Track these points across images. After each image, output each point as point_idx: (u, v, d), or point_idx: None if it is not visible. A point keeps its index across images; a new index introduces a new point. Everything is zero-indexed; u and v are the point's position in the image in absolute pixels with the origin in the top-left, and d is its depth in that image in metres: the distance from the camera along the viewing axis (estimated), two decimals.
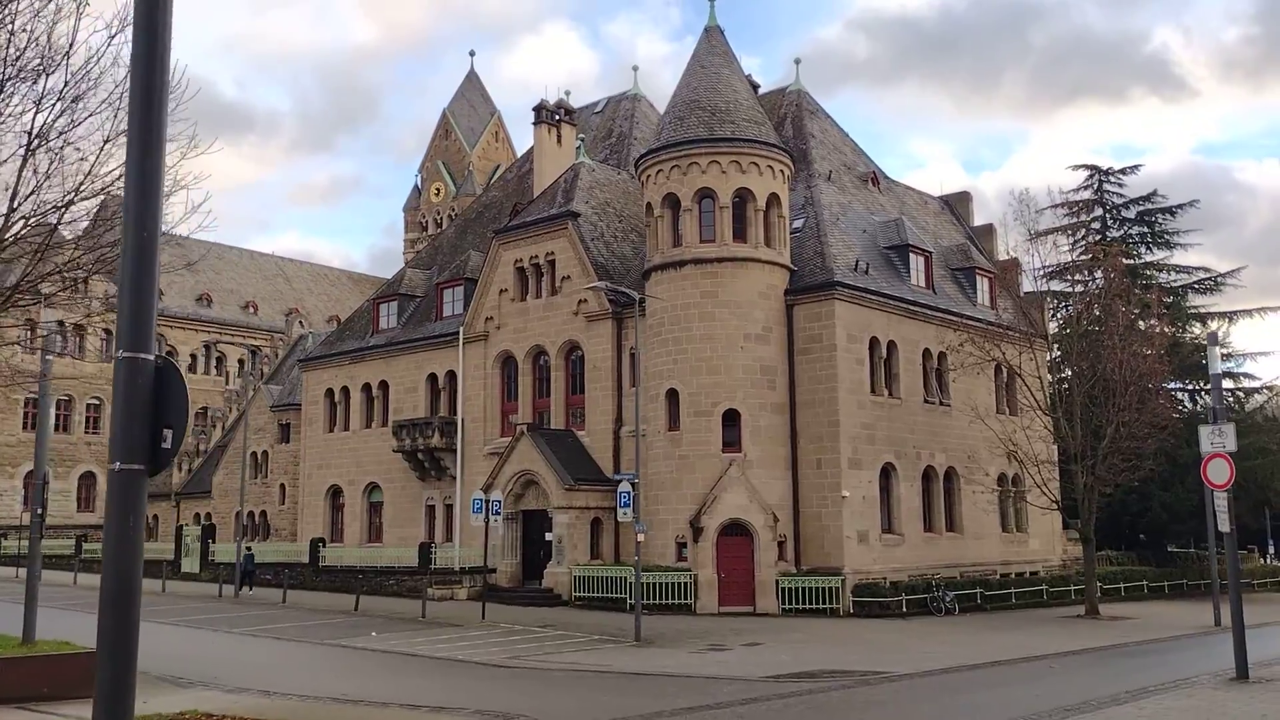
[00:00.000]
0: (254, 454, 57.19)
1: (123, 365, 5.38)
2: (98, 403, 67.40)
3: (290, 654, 23.77)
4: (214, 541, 44.92)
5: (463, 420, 40.90)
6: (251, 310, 76.93)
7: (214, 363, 74.16)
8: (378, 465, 43.57)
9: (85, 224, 17.16)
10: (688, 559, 33.23)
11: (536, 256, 39.61)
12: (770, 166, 35.00)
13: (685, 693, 16.99)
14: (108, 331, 68.39)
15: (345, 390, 45.88)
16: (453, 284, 43.31)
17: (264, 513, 55.65)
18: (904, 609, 32.78)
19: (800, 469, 34.24)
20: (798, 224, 37.52)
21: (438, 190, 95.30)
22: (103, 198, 13.54)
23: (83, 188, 12.99)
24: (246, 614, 31.72)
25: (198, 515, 59.55)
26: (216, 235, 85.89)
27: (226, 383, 72.78)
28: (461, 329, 41.17)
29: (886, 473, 35.82)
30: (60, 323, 68.52)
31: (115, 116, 12.86)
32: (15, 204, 13.36)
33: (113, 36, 12.78)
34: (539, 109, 45.34)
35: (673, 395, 34.18)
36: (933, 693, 17.50)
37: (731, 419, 33.67)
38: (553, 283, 38.99)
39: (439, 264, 47.37)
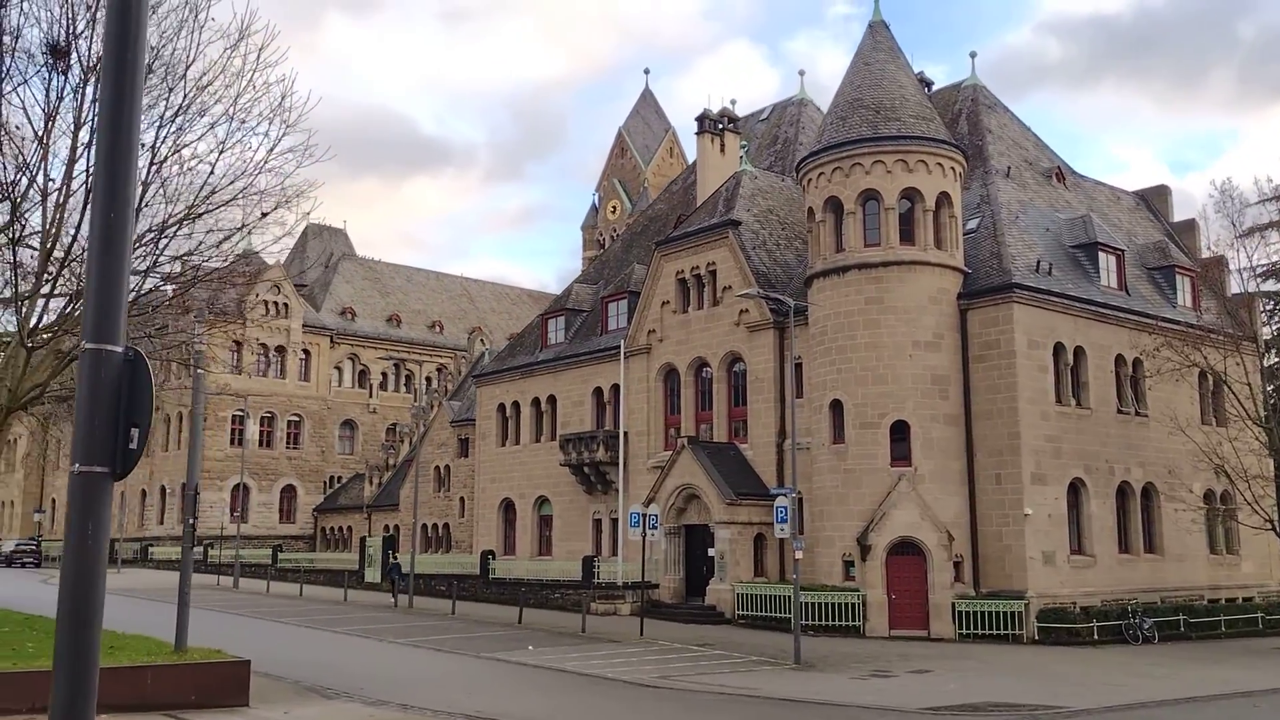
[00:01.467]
0: (436, 468, 58.89)
1: (87, 358, 4.96)
2: (297, 419, 71.05)
3: (445, 666, 23.82)
4: (394, 553, 46.18)
5: (626, 434, 40.62)
6: (438, 329, 79.52)
7: (403, 380, 76.95)
8: (547, 479, 43.84)
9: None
10: (855, 578, 31.70)
11: (697, 267, 38.98)
12: (940, 164, 33.19)
13: None
14: (306, 352, 72.07)
15: (516, 405, 46.48)
16: (617, 297, 43.21)
17: (446, 525, 57.11)
18: (1095, 636, 30.21)
19: (977, 484, 32.15)
20: (972, 224, 35.46)
21: (614, 208, 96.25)
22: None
23: (210, 198, 13.05)
24: (415, 625, 32.24)
25: (386, 527, 61.71)
26: (406, 259, 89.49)
27: (415, 400, 75.34)
28: (620, 341, 40.94)
29: (1075, 489, 33.22)
30: (264, 345, 72.34)
31: (230, 124, 12.90)
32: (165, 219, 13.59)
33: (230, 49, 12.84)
34: (702, 119, 44.81)
35: (837, 406, 32.78)
36: None
37: (900, 431, 31.97)
38: (714, 293, 38.25)
39: (605, 278, 47.44)
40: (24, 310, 11.62)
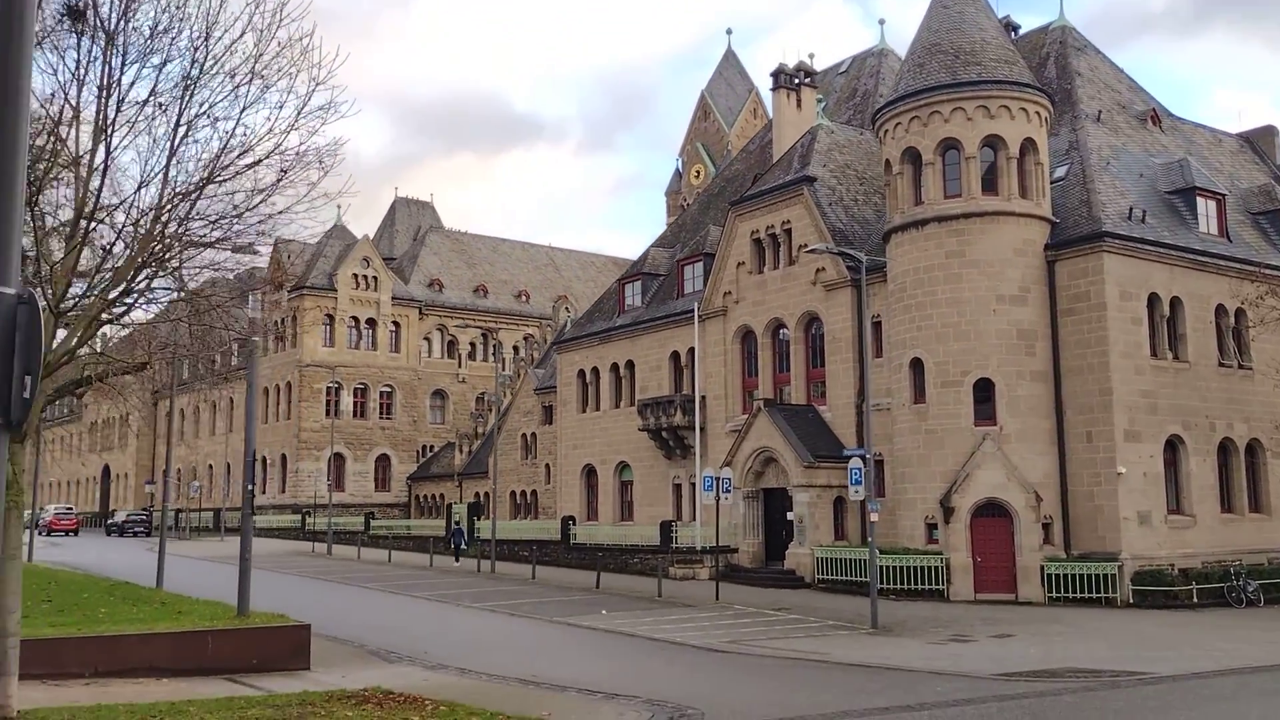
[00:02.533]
0: (523, 435, 59.32)
1: None
2: (389, 390, 72.24)
3: (514, 630, 23.80)
4: (479, 519, 46.61)
5: (704, 397, 40.12)
6: (524, 299, 79.91)
7: (490, 350, 77.58)
8: (627, 444, 43.64)
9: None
10: (939, 541, 30.77)
11: (772, 226, 38.11)
12: (1024, 109, 31.69)
13: (891, 689, 15.23)
14: (395, 324, 73.03)
15: (595, 371, 46.33)
16: (692, 260, 42.58)
17: (534, 492, 57.52)
18: (1195, 600, 28.81)
19: (1067, 443, 30.84)
20: (1060, 172, 33.84)
21: (698, 172, 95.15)
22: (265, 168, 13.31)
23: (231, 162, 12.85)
24: (494, 590, 32.41)
25: (477, 494, 62.44)
26: (501, 232, 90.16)
27: (503, 369, 75.96)
28: (695, 304, 40.37)
29: (1172, 446, 31.64)
30: (355, 317, 73.61)
31: (251, 83, 12.65)
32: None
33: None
34: (777, 74, 43.70)
35: (917, 365, 31.74)
36: (1192, 700, 14.74)
37: (984, 389, 30.81)
38: (790, 252, 37.36)
39: (682, 241, 46.81)
40: (52, 277, 11.64)
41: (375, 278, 71.79)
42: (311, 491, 67.51)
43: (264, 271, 20.81)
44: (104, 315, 14.41)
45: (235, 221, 14.04)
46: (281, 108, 13.26)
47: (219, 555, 48.14)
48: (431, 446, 72.78)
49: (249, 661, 16.62)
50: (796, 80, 43.87)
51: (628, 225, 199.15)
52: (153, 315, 18.86)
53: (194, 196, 12.86)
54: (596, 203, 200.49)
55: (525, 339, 73.88)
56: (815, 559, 33.08)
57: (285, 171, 12.16)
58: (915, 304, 31.89)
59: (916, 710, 13.39)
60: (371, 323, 71.96)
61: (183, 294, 22.17)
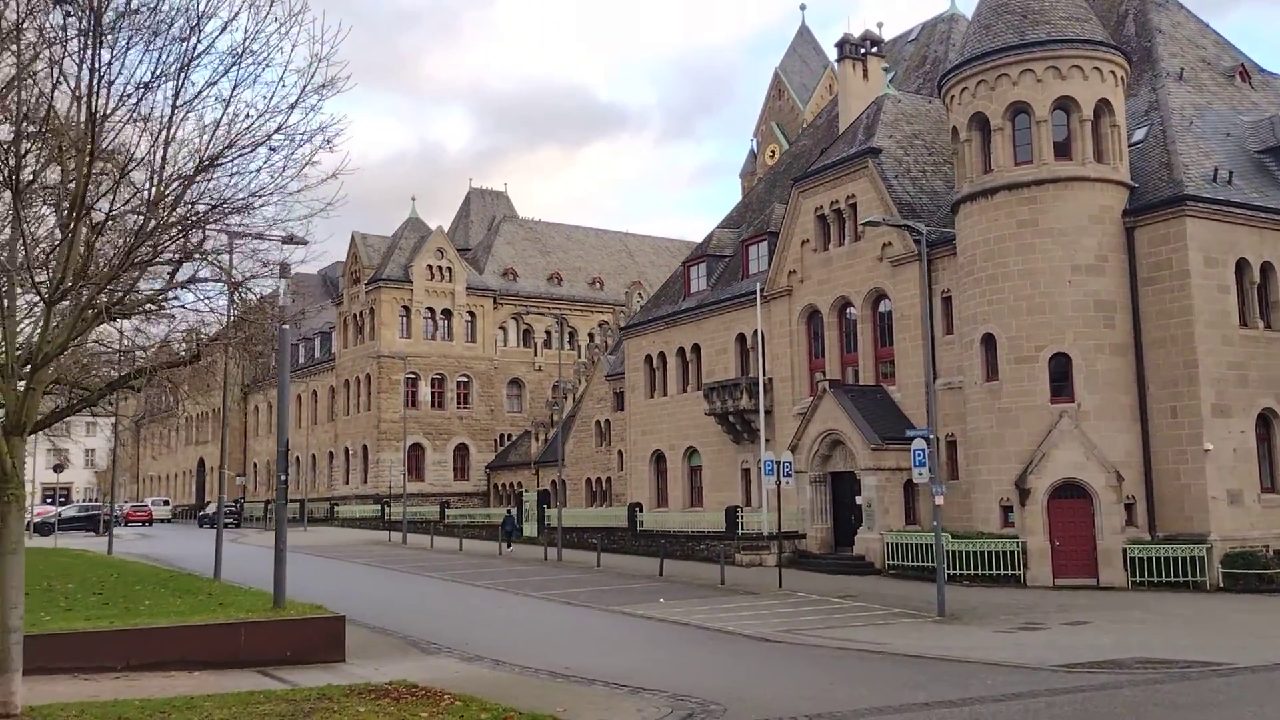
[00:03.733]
0: (597, 422, 59.04)
1: None
2: (466, 379, 72.60)
3: (566, 620, 23.37)
4: (548, 506, 46.39)
5: (770, 380, 39.18)
6: (598, 286, 79.56)
7: (566, 338, 77.41)
8: (695, 429, 42.94)
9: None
10: (1014, 524, 29.45)
11: (836, 201, 36.94)
12: (1097, 69, 30.04)
13: (938, 682, 14.33)
14: (471, 314, 73.32)
15: (662, 355, 45.69)
16: (757, 239, 41.60)
17: (608, 479, 57.17)
18: None
19: (1150, 419, 29.22)
20: (1139, 134, 32.06)
21: (772, 153, 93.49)
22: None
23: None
24: (557, 578, 32.08)
25: (553, 482, 62.33)
26: (583, 223, 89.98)
27: (578, 356, 75.76)
28: (759, 285, 39.42)
29: (1265, 420, 29.75)
30: (430, 308, 74.14)
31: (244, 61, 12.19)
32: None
33: None
34: (842, 44, 42.37)
35: (989, 341, 30.39)
36: (1267, 693, 13.54)
37: (1060, 364, 29.36)
38: (855, 228, 36.16)
39: (748, 221, 45.82)
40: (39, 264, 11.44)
41: (450, 268, 72.13)
42: (392, 481, 68.20)
43: (285, 255, 20.52)
44: (121, 306, 14.22)
45: (249, 201, 13.71)
46: (282, 85, 12.83)
47: (296, 545, 48.79)
48: (509, 435, 72.98)
49: (283, 654, 16.45)
50: (862, 50, 42.48)
51: (707, 211, 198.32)
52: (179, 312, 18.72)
53: (195, 179, 12.49)
54: (677, 191, 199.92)
55: (599, 326, 73.52)
56: (885, 544, 32.00)
57: (274, 149, 11.71)
58: (986, 277, 30.53)
59: (958, 706, 12.51)
60: (447, 313, 72.36)
61: (227, 282, 22.12)
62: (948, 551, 29.42)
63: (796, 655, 17.82)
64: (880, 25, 48.89)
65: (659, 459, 45.84)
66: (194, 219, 13.11)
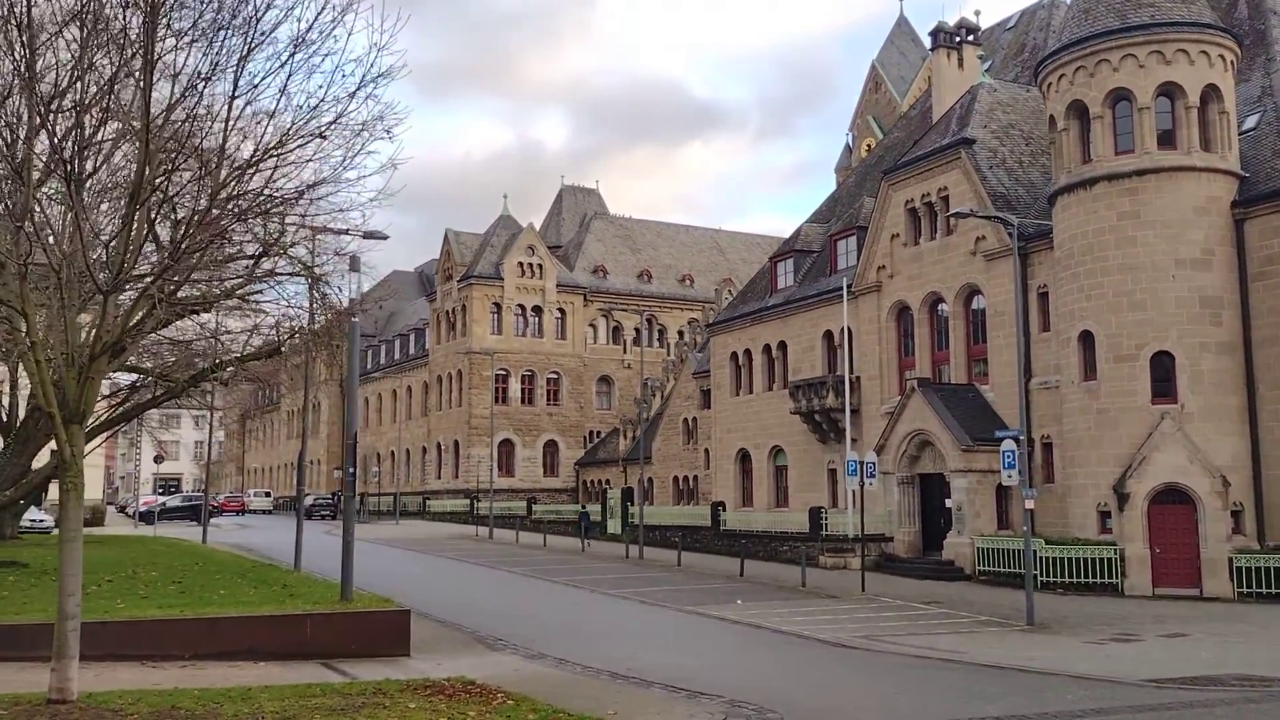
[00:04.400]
0: (685, 420, 58.65)
1: None
2: (556, 376, 72.92)
3: (638, 619, 23.05)
4: (631, 504, 46.12)
5: (857, 378, 38.24)
6: (688, 283, 79.16)
7: (655, 335, 77.24)
8: (780, 428, 42.21)
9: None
10: (1112, 530, 28.13)
11: (928, 194, 35.84)
12: (1204, 53, 28.50)
13: (1013, 695, 13.57)
14: (561, 311, 73.59)
15: (748, 353, 45.05)
16: (845, 234, 40.67)
17: (695, 478, 56.71)
18: None
19: (1260, 422, 27.59)
20: (1251, 121, 30.36)
21: (868, 146, 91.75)
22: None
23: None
24: (635, 576, 31.79)
25: (640, 480, 62.15)
26: (662, 216, 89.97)
27: (667, 354, 75.45)
28: (845, 280, 38.49)
29: None
30: (521, 305, 74.70)
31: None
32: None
33: None
34: (936, 33, 41.13)
35: (1087, 338, 29.10)
36: None
37: (1162, 363, 27.92)
38: (947, 221, 35.02)
39: (837, 215, 44.86)
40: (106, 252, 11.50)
41: (540, 265, 72.51)
42: (482, 477, 68.85)
43: (359, 248, 20.60)
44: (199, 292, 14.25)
45: (311, 190, 13.66)
46: (341, 73, 12.74)
47: (386, 538, 49.64)
48: (598, 432, 73.05)
49: (348, 646, 16.43)
50: (957, 38, 41.18)
51: (803, 209, 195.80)
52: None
53: (255, 167, 12.44)
54: (774, 189, 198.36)
55: (689, 323, 73.10)
56: (975, 549, 30.90)
57: (324, 137, 11.58)
58: (1084, 271, 29.24)
59: None
60: (537, 310, 72.75)
61: (307, 276, 22.30)
62: (1041, 558, 28.31)
63: (868, 662, 17.17)
64: (978, 13, 47.51)
65: (744, 458, 45.22)
66: (257, 207, 13.12)
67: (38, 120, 11.07)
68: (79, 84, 11.29)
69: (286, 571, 24.56)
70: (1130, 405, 28.04)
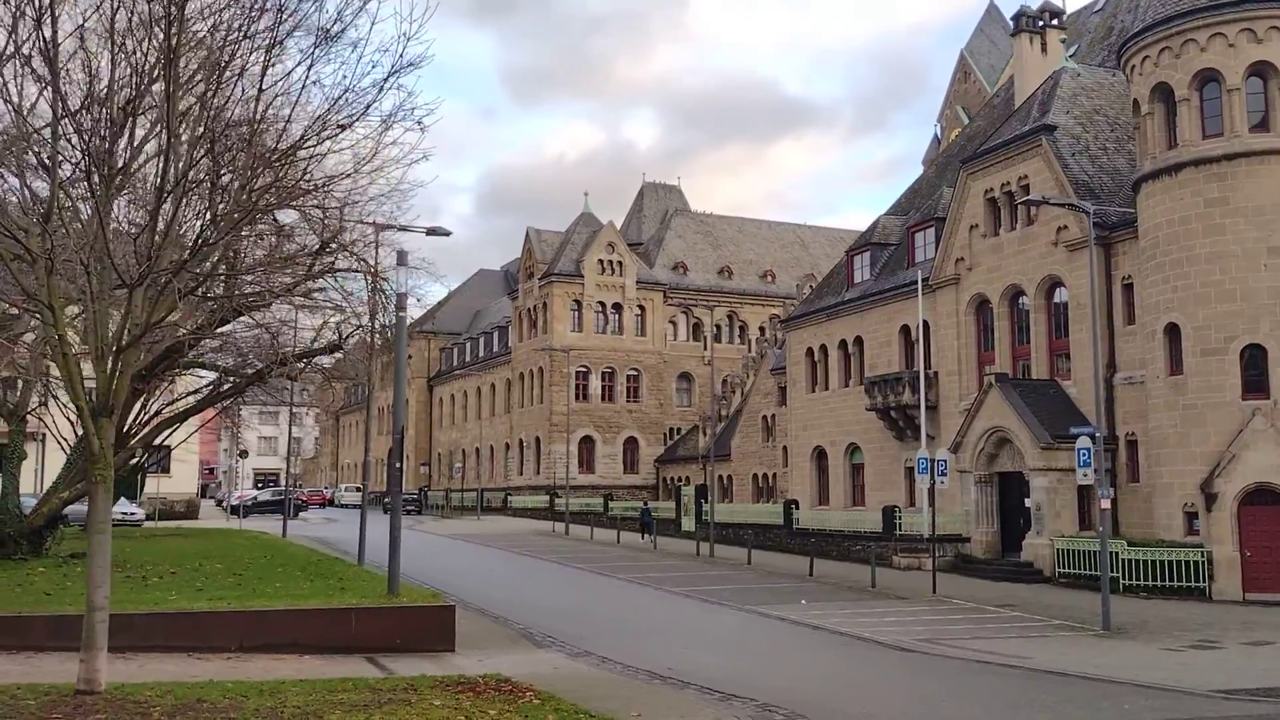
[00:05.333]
0: (764, 417, 57.96)
1: None
2: (636, 373, 72.80)
3: (694, 617, 22.69)
4: (705, 501, 45.67)
5: (935, 373, 37.20)
6: (769, 279, 78.29)
7: (736, 331, 76.62)
8: (856, 425, 41.34)
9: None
10: (1199, 532, 26.81)
11: (1008, 183, 34.65)
12: None
13: (1068, 705, 12.89)
14: (641, 308, 73.43)
15: (824, 348, 44.23)
16: (923, 226, 39.61)
17: (774, 475, 56.00)
18: None
19: None
20: None
21: (956, 137, 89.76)
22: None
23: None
24: (702, 574, 31.42)
25: (720, 477, 61.71)
26: (753, 214, 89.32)
27: (748, 350, 74.76)
28: (921, 273, 37.46)
29: None
30: (601, 302, 74.63)
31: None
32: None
33: None
34: (1018, 16, 39.86)
35: (1172, 331, 27.78)
36: None
37: (1254, 357, 26.52)
38: (1027, 211, 33.82)
39: (916, 206, 43.76)
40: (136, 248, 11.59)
41: (620, 263, 72.42)
42: (561, 473, 69.12)
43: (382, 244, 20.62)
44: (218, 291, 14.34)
45: (335, 181, 13.63)
46: (373, 66, 12.65)
47: (464, 533, 50.15)
48: (678, 429, 72.72)
49: (393, 641, 16.44)
50: (1040, 22, 39.82)
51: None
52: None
53: (287, 157, 12.42)
54: (866, 184, 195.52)
55: (770, 319, 72.30)
56: (1055, 551, 29.76)
57: (343, 128, 11.49)
58: (1169, 261, 27.93)
59: None
60: (617, 307, 72.69)
61: (366, 272, 22.43)
62: (1124, 560, 27.19)
63: (922, 666, 16.56)
64: None
65: (820, 455, 44.45)
66: (281, 200, 13.13)
67: (61, 115, 11.17)
68: (110, 78, 11.37)
69: (350, 565, 24.81)
70: (1219, 401, 26.68)
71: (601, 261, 71.92)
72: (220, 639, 15.59)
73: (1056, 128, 33.69)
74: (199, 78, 12.20)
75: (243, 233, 18.05)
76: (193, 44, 11.54)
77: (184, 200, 11.43)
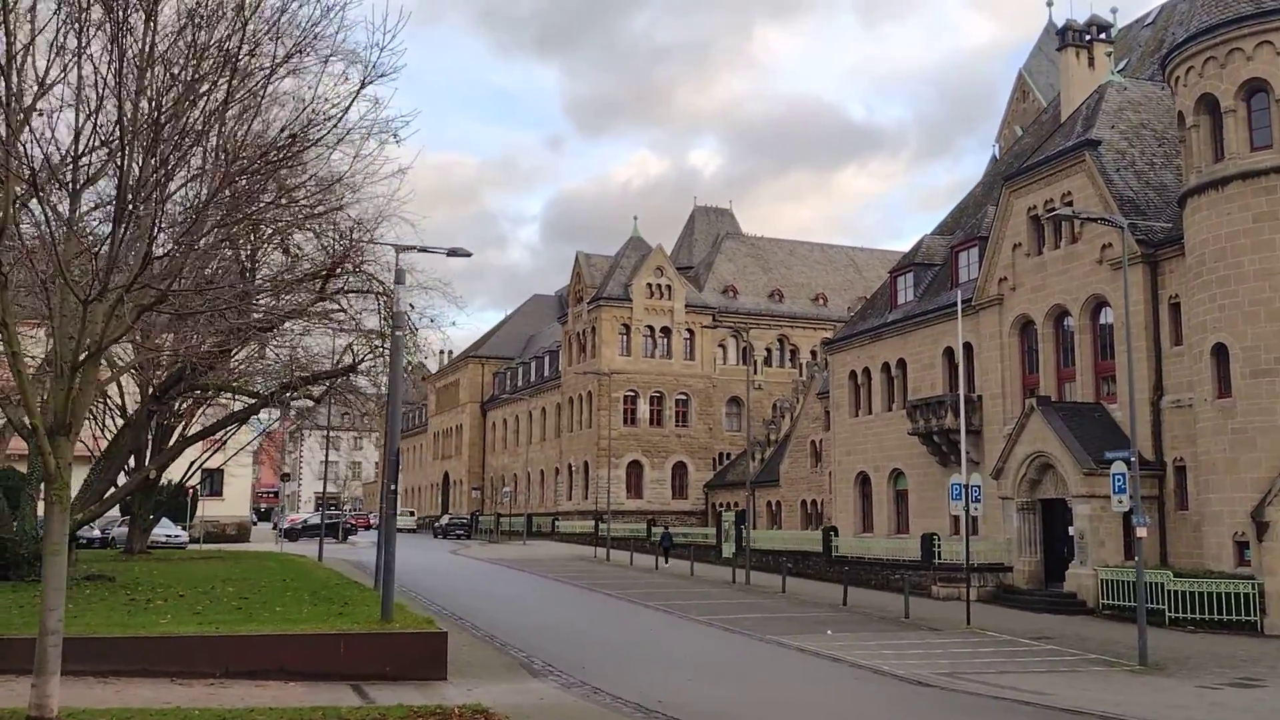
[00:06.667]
0: (811, 442, 56.96)
1: None
2: (685, 398, 72.17)
3: (707, 647, 22.00)
4: (744, 526, 44.82)
5: (978, 397, 36.09)
6: (821, 302, 77.28)
7: (787, 355, 75.70)
8: (900, 449, 40.28)
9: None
10: (1251, 563, 25.46)
11: (1051, 200, 33.58)
12: None
13: None
14: (690, 332, 72.88)
15: (866, 371, 43.27)
16: (967, 245, 38.59)
17: (821, 501, 54.92)
18: None
19: None
20: None
21: (1005, 154, 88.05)
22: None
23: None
24: (732, 602, 30.67)
25: (769, 503, 60.78)
26: (810, 238, 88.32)
27: (799, 374, 73.73)
28: (964, 293, 36.38)
29: None
30: (650, 326, 74.27)
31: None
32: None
33: None
34: (1064, 31, 38.95)
35: (1220, 352, 26.56)
36: None
37: None
38: (1072, 228, 32.74)
39: (961, 226, 42.73)
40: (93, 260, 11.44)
41: (669, 286, 72.02)
42: (601, 498, 68.67)
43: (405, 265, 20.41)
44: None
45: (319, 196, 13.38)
46: (345, 80, 12.40)
47: (505, 558, 49.79)
48: (728, 454, 71.85)
49: (382, 668, 16.04)
50: (1087, 36, 38.77)
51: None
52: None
53: (253, 171, 12.20)
54: (932, 209, 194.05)
55: (822, 343, 71.26)
56: (1099, 581, 28.52)
57: (317, 140, 11.22)
58: (1216, 279, 26.74)
59: None
60: (666, 331, 72.25)
61: (379, 294, 22.24)
62: (1170, 592, 26.00)
63: (935, 702, 15.75)
64: (1114, 10, 44.60)
65: (864, 481, 43.40)
66: (250, 213, 12.90)
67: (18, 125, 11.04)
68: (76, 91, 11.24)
69: (362, 590, 24.53)
70: (1270, 425, 25.39)
71: (650, 285, 71.59)
72: (205, 664, 15.33)
73: (1100, 142, 32.62)
74: (169, 95, 12.01)
75: (245, 251, 17.87)
76: (151, 60, 11.34)
77: (131, 214, 11.20)
